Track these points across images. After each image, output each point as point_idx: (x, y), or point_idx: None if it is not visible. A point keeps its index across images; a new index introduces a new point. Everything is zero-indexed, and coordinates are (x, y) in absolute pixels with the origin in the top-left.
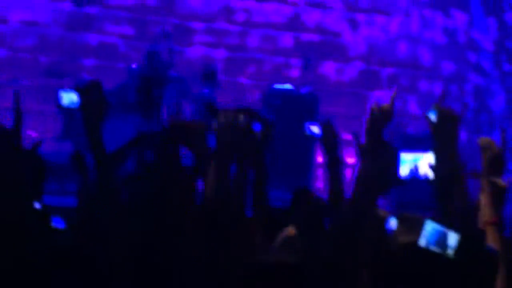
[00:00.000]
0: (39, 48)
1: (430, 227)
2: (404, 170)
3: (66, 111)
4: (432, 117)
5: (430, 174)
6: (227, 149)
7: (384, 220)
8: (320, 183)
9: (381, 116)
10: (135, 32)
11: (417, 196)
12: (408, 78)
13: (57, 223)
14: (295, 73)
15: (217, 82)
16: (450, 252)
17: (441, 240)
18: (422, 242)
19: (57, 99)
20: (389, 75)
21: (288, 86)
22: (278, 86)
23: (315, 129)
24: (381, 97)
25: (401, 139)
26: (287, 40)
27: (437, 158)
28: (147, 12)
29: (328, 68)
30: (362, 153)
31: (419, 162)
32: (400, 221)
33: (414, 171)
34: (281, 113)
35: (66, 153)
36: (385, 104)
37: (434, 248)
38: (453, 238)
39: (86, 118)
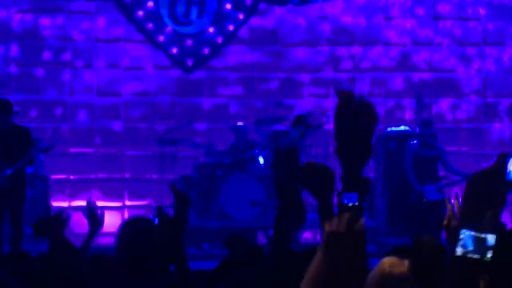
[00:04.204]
0: (151, 117)
1: (465, 235)
2: None
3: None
4: None
5: None
6: None
7: None
8: None
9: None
10: (244, 91)
11: None
12: None
13: None
14: (408, 115)
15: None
16: (488, 255)
17: (478, 245)
18: (459, 251)
19: None
20: (507, 106)
21: (403, 128)
22: (393, 129)
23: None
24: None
25: None
26: (398, 82)
27: None
28: (255, 69)
29: (443, 106)
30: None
31: None
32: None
33: None
34: (398, 156)
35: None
36: None
37: (471, 255)
38: (490, 240)
39: None
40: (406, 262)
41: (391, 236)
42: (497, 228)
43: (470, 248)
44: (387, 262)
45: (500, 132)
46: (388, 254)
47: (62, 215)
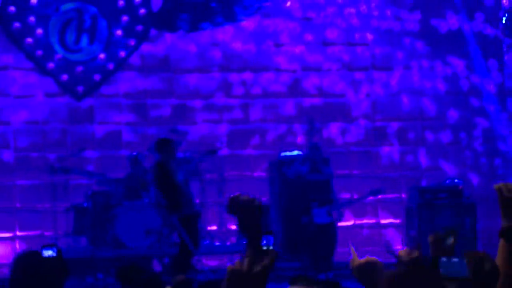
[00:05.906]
0: (42, 146)
1: None
2: None
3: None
4: None
5: None
6: None
7: None
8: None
9: None
10: (137, 117)
11: None
12: (415, 130)
13: None
14: (299, 139)
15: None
16: None
17: None
18: None
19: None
20: (396, 130)
21: (296, 152)
22: (286, 154)
23: None
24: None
25: (417, 192)
26: (289, 107)
27: None
28: (147, 96)
29: (334, 130)
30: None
31: None
32: None
33: None
34: (291, 180)
35: (79, 248)
36: None
37: None
38: None
39: None
40: None
41: (287, 261)
42: None
43: None
44: None
45: (389, 155)
46: (294, 279)
47: None
